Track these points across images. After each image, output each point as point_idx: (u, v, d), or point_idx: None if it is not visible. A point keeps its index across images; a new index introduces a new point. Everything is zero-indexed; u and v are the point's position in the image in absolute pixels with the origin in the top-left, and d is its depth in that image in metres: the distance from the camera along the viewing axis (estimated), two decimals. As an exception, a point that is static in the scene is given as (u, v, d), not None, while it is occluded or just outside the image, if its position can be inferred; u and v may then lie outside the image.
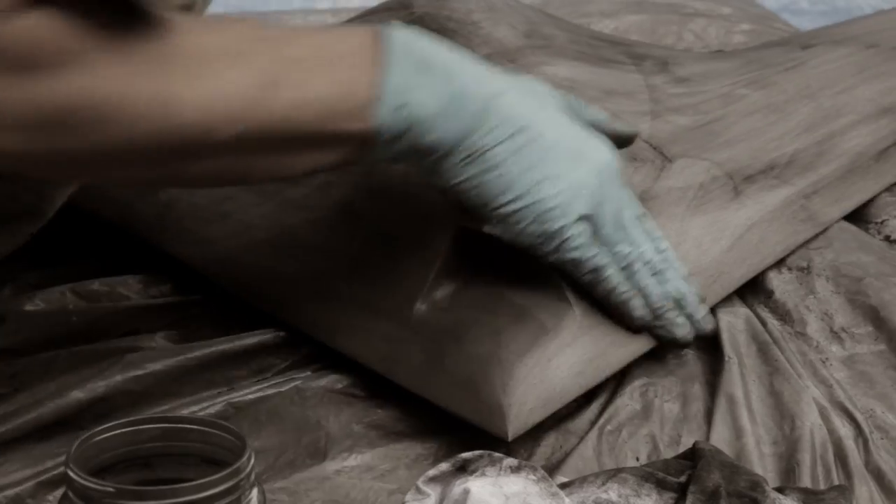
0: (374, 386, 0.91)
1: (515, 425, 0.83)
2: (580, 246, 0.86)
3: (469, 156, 0.82)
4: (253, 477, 0.68)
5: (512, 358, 0.85)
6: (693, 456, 0.82)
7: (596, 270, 0.88)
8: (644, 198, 1.01)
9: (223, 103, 0.74)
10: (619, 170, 0.89)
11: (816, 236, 1.08)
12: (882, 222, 1.15)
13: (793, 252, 1.06)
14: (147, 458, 0.72)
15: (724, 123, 1.16)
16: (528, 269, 0.91)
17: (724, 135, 1.14)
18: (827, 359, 0.97)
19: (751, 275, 1.01)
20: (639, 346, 0.91)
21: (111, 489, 0.66)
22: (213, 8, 0.86)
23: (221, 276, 0.99)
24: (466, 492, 0.75)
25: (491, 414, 0.83)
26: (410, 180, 0.93)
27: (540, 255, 0.87)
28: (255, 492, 0.69)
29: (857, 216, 1.15)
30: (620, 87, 1.17)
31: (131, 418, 0.72)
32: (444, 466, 0.78)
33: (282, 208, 1.01)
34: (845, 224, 1.11)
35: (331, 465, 0.84)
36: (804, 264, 1.05)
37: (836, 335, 0.99)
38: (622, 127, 0.96)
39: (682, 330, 0.92)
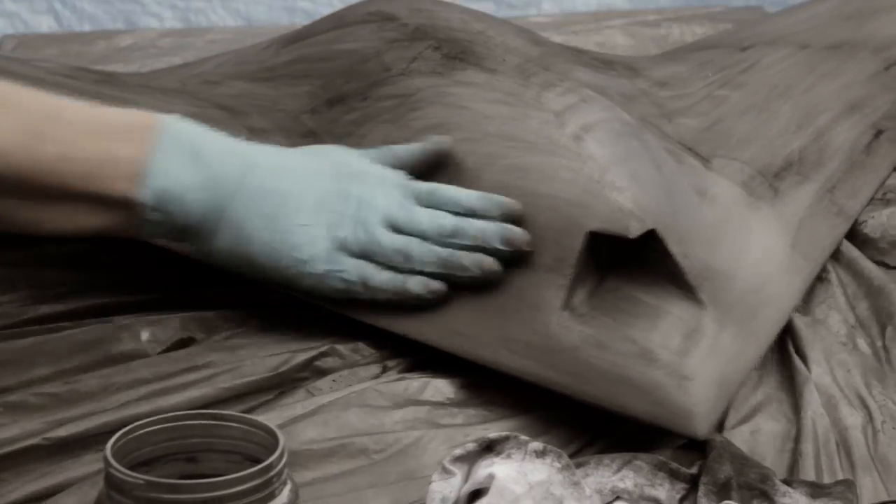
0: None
1: (704, 424, 0.83)
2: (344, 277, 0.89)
3: (228, 231, 0.88)
4: (285, 474, 0.69)
5: (676, 359, 0.85)
6: (704, 447, 0.83)
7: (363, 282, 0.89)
8: (705, 199, 1.01)
9: None
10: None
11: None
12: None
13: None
14: (193, 453, 0.73)
15: (727, 124, 1.16)
16: (652, 269, 0.90)
17: (734, 134, 1.14)
18: (846, 343, 0.98)
19: (817, 270, 1.03)
20: (766, 341, 0.92)
21: (142, 481, 0.67)
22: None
23: None
24: (492, 477, 0.75)
25: (676, 416, 0.83)
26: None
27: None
28: (286, 489, 0.69)
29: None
30: (628, 91, 1.16)
31: (174, 413, 0.73)
32: (471, 446, 0.78)
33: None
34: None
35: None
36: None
37: (860, 325, 1.01)
38: (430, 145, 0.97)
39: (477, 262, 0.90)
